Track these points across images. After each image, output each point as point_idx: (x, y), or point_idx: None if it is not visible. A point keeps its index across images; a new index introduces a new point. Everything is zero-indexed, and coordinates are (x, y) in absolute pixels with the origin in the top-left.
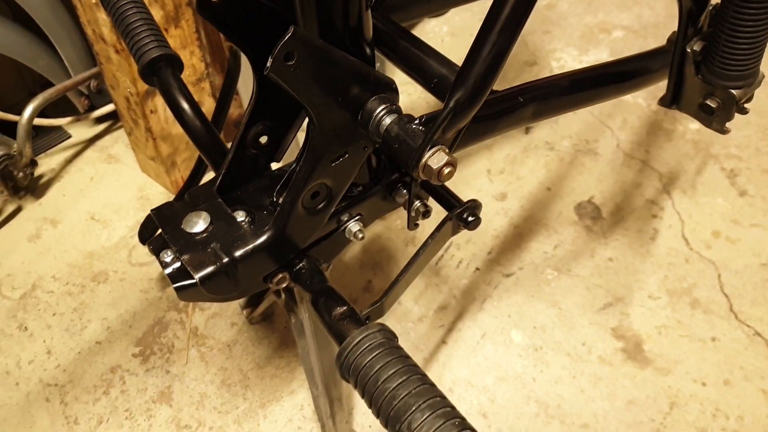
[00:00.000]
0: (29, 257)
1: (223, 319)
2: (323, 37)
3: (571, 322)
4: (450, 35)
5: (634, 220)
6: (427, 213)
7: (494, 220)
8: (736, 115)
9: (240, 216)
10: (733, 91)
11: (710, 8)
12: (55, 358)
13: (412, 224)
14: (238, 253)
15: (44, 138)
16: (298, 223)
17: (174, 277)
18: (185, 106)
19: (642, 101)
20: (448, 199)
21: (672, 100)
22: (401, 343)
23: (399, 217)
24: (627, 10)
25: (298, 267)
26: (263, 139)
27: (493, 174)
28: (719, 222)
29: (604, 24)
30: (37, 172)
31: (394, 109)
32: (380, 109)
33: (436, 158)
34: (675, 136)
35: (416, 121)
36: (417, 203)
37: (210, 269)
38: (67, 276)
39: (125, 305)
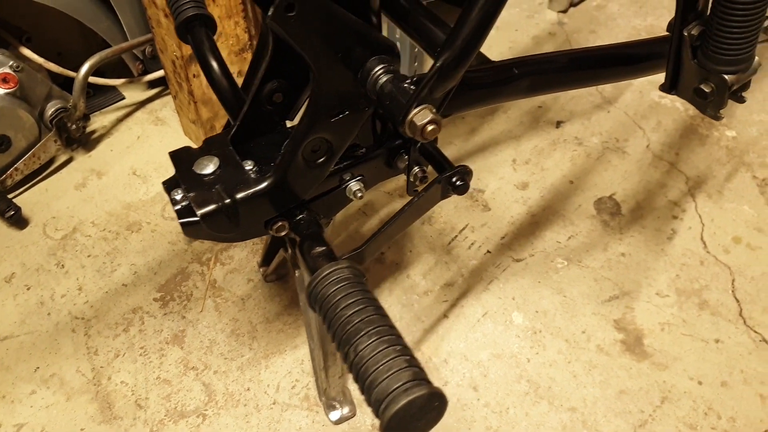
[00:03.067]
0: (74, 203)
1: (241, 274)
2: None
3: (574, 310)
4: (495, 29)
5: (653, 219)
6: (424, 179)
7: (512, 208)
8: None
9: (248, 165)
10: (725, 76)
11: None
12: (84, 294)
13: (411, 189)
14: (239, 196)
15: (101, 97)
16: (298, 174)
17: (181, 213)
18: (213, 63)
19: (680, 105)
20: (441, 163)
21: (671, 85)
22: (404, 312)
23: None
24: None
25: (298, 218)
26: (277, 97)
27: (518, 164)
28: (742, 228)
29: (652, 27)
30: (90, 128)
31: (391, 69)
32: (378, 68)
33: (421, 115)
34: (709, 141)
35: (408, 81)
36: (416, 169)
37: (211, 207)
38: (105, 223)
39: (153, 254)
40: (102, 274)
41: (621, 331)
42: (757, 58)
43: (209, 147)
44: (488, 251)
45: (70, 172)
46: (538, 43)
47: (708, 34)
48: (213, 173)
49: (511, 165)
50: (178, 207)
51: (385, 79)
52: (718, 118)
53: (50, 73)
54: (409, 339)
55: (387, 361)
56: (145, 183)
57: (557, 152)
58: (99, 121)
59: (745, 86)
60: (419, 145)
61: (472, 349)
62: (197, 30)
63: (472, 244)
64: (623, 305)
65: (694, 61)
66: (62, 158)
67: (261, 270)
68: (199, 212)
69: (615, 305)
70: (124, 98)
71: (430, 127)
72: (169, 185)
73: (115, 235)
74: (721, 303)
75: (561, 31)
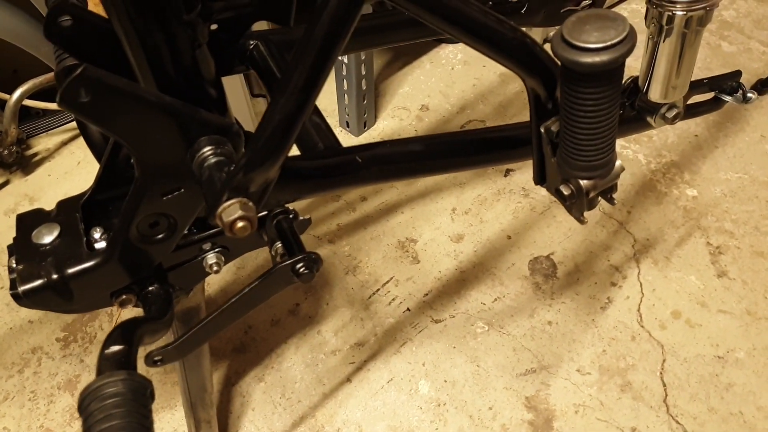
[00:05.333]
0: (0, 230)
1: None
2: (157, 77)
3: (485, 382)
4: (462, 63)
5: (589, 285)
6: (285, 255)
7: (442, 262)
8: (744, 186)
9: (96, 233)
10: (581, 182)
11: None
12: None
13: (274, 262)
14: (70, 271)
15: (49, 119)
16: (136, 249)
17: (12, 284)
18: None
19: (642, 157)
20: (291, 246)
21: (539, 178)
22: (306, 373)
23: (348, 243)
24: None
25: (148, 289)
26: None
27: (458, 213)
28: (684, 302)
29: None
30: (33, 150)
31: (219, 152)
32: (206, 150)
33: (230, 210)
34: (666, 200)
35: (227, 168)
36: (278, 244)
37: (36, 284)
38: None
39: None
40: (11, 308)
41: (531, 410)
42: (619, 162)
43: (60, 211)
44: (408, 309)
45: (3, 197)
46: (503, 81)
47: (562, 134)
48: (50, 243)
49: (450, 214)
50: (12, 276)
51: (209, 162)
52: (581, 221)
53: None
54: (305, 403)
55: None
56: None
57: (500, 203)
58: (43, 143)
59: (612, 189)
60: (275, 221)
61: (369, 419)
62: None
63: (393, 299)
64: (539, 381)
65: (554, 159)
66: None
67: None
68: (21, 288)
69: (530, 380)
70: (73, 120)
71: (239, 224)
72: (10, 250)
73: None
74: (646, 386)
75: None
